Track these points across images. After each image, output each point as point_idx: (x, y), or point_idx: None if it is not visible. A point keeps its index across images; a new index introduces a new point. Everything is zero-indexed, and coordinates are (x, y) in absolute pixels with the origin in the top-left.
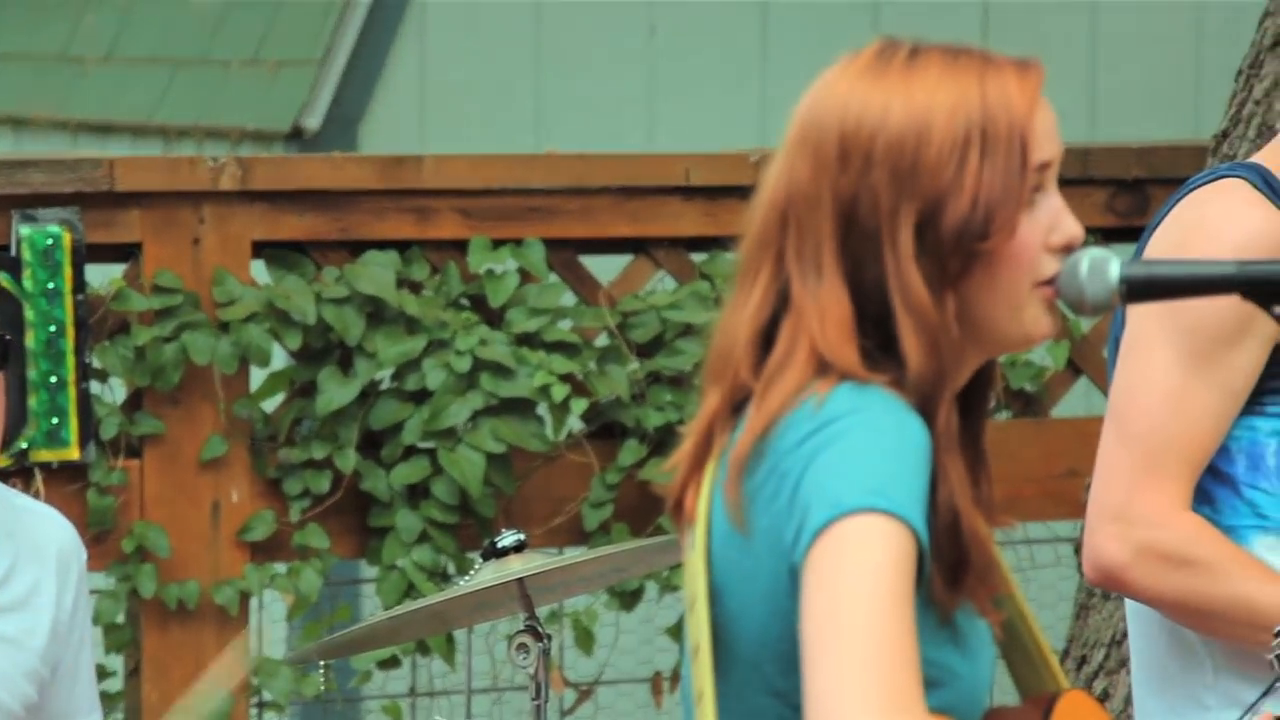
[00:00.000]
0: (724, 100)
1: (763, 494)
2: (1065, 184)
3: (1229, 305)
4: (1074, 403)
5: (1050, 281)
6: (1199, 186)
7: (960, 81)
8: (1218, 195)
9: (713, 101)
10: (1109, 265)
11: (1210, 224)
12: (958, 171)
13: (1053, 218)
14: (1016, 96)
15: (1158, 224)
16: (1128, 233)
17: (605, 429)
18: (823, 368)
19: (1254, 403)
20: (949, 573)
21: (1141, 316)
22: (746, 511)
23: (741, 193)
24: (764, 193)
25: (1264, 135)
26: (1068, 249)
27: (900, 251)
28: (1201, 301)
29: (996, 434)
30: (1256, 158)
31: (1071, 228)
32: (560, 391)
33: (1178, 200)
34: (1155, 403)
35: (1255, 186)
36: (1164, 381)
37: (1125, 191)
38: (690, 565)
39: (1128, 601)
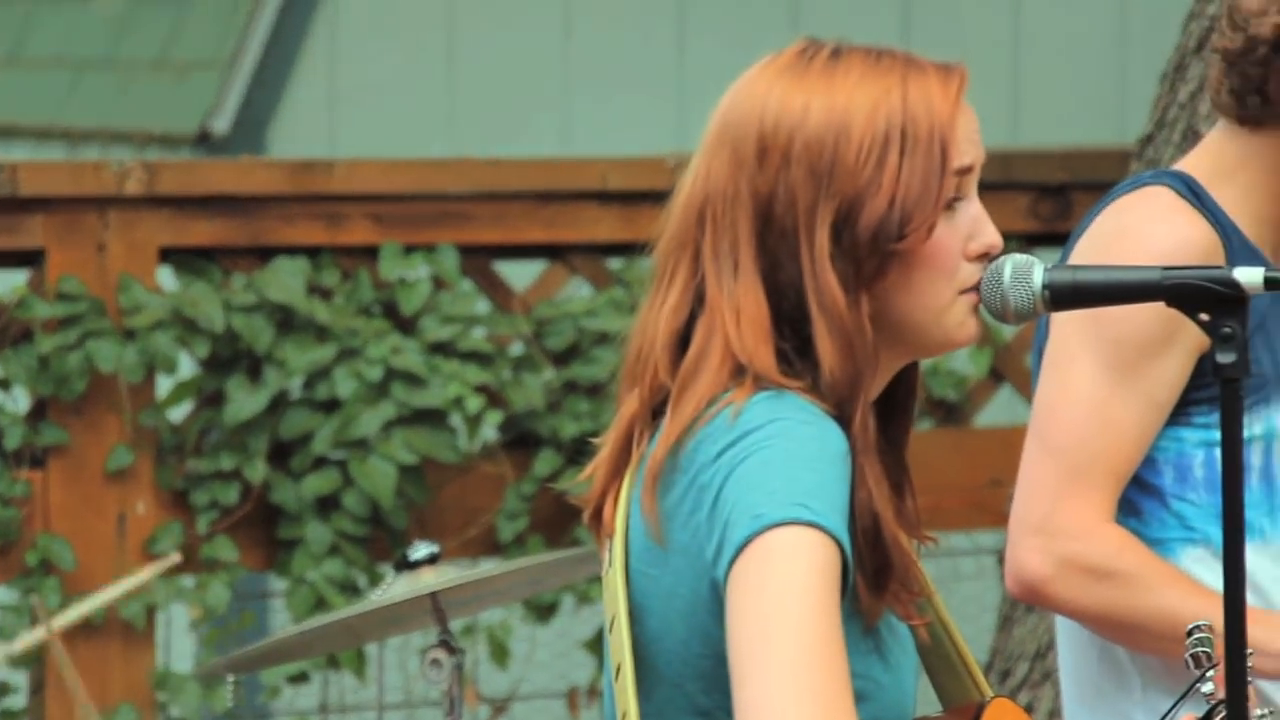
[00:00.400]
0: (641, 103)
1: (681, 508)
2: (987, 188)
3: (1153, 315)
4: (997, 411)
5: (974, 288)
6: (1122, 194)
7: (882, 83)
8: (1141, 203)
9: (630, 104)
10: (1032, 271)
11: (1133, 233)
12: (876, 171)
13: (972, 225)
14: (939, 99)
15: (1081, 232)
16: (1051, 238)
17: (520, 439)
18: (738, 371)
19: (1180, 414)
20: (871, 579)
21: (1064, 327)
22: (664, 526)
23: (659, 198)
24: (682, 192)
25: (1189, 139)
26: (987, 257)
27: (816, 251)
28: (1125, 312)
29: (918, 444)
30: (1180, 165)
31: (990, 235)
32: (474, 401)
33: (1101, 208)
34: (1078, 415)
35: (1179, 194)
36: (1087, 393)
37: (1048, 196)
38: (609, 581)
39: (1057, 616)
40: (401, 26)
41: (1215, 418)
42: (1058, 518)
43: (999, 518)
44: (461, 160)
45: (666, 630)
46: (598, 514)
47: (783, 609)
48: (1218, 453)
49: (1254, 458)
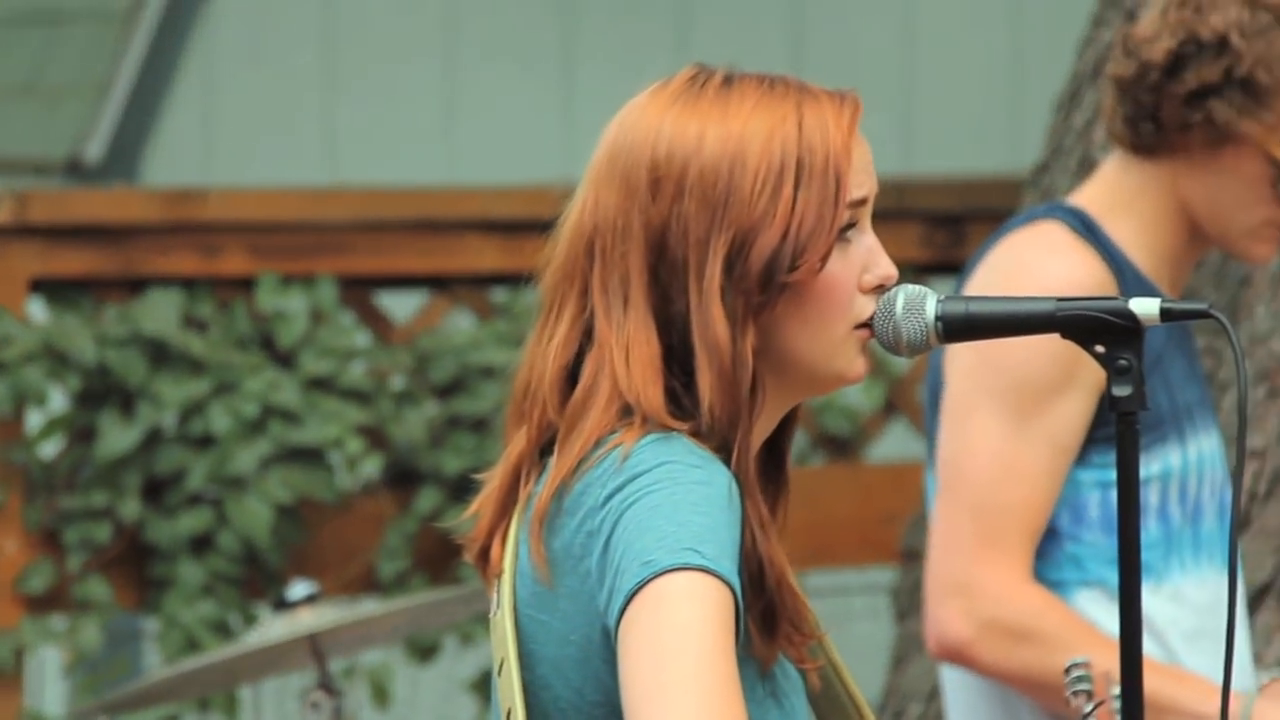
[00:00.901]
0: (525, 129)
1: (570, 553)
2: (880, 217)
3: (1050, 358)
4: (890, 445)
5: (868, 323)
6: (1014, 230)
7: (776, 111)
8: (1034, 239)
9: (514, 131)
10: (925, 303)
11: (1027, 269)
12: (771, 202)
13: (866, 257)
14: (833, 128)
15: (974, 266)
16: (945, 267)
17: (402, 475)
18: (626, 410)
19: (1078, 455)
20: (762, 622)
21: (962, 379)
22: (553, 570)
23: (544, 227)
24: (569, 222)
25: (1085, 168)
26: (881, 289)
27: (706, 285)
28: (1021, 356)
29: (810, 480)
30: (1075, 197)
31: (885, 267)
32: (354, 438)
33: (993, 243)
34: (987, 469)
35: (1072, 229)
36: (993, 445)
37: (942, 225)
38: (498, 624)
39: (945, 680)
40: (278, 51)
41: (1112, 457)
42: (977, 578)
43: (892, 554)
44: (340, 189)
45: (558, 676)
46: (484, 554)
47: (678, 656)
48: (1113, 494)
49: (1151, 498)
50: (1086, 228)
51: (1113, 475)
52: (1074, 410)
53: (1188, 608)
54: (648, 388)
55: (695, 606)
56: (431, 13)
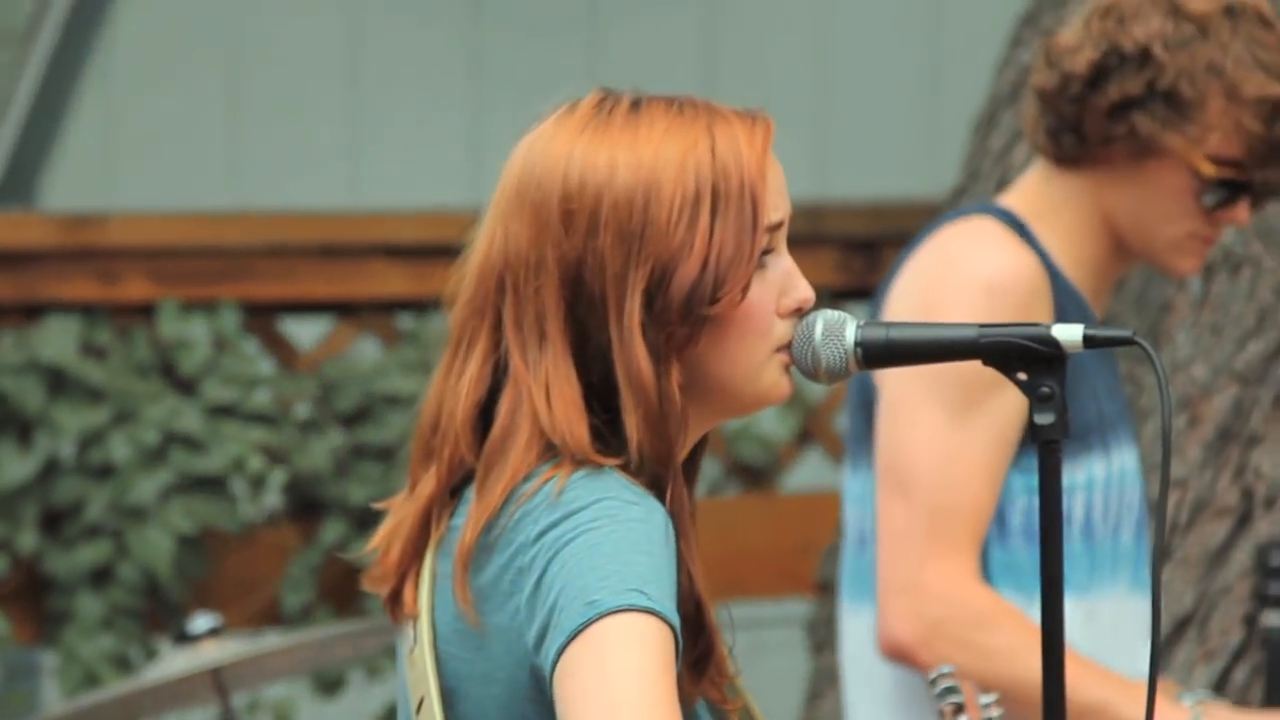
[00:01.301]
0: (433, 153)
1: (497, 590)
2: (795, 243)
3: None
4: (805, 475)
5: (787, 347)
6: (946, 224)
7: (687, 135)
8: (967, 232)
9: (421, 154)
10: (845, 328)
11: (960, 261)
12: (688, 232)
13: (783, 280)
14: (746, 151)
15: (902, 262)
16: (861, 293)
17: (306, 505)
18: (548, 449)
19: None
20: (694, 665)
21: (901, 373)
22: (479, 608)
23: (451, 253)
24: (478, 254)
25: (1002, 191)
26: (799, 313)
27: (626, 320)
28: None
29: (724, 510)
30: (1002, 201)
31: (803, 291)
32: (257, 467)
33: (923, 238)
34: (933, 464)
35: (1005, 225)
36: (937, 440)
37: (858, 250)
38: (417, 660)
39: (847, 689)
40: (180, 72)
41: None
42: (926, 578)
43: (807, 585)
44: (244, 213)
45: (481, 716)
46: (395, 596)
47: (627, 700)
48: (1036, 502)
49: (1075, 509)
50: (1018, 227)
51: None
52: (1014, 402)
53: (1099, 626)
54: (573, 426)
55: (642, 650)
56: (336, 34)
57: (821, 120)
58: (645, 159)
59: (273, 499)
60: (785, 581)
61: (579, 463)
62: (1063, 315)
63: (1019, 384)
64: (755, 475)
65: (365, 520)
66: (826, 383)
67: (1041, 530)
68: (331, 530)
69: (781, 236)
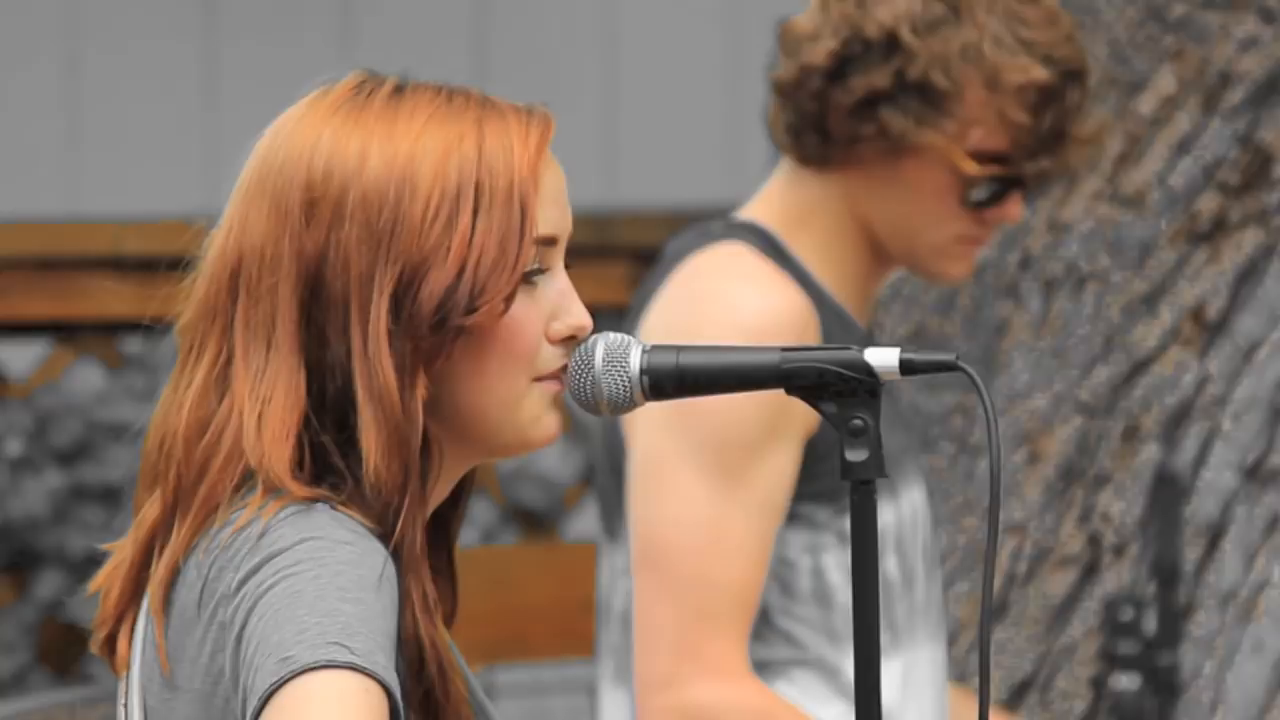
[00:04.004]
0: (162, 155)
1: (202, 648)
2: (581, 255)
3: (751, 410)
4: (591, 521)
5: (556, 375)
6: (693, 254)
7: (453, 128)
8: (719, 264)
9: (148, 157)
10: (629, 354)
11: (716, 301)
12: (444, 233)
13: (556, 302)
14: (519, 149)
15: (646, 300)
16: None
17: (18, 556)
18: (249, 474)
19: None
20: (423, 714)
21: (653, 429)
22: (175, 666)
23: (183, 266)
24: (213, 249)
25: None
26: (573, 341)
27: (371, 327)
28: (719, 408)
29: (500, 560)
30: (749, 212)
31: (578, 315)
32: None
33: (669, 272)
34: (693, 542)
35: (761, 252)
36: (698, 514)
37: (651, 263)
38: None
39: None
40: None
41: (822, 516)
42: (687, 673)
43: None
44: None
45: None
46: (110, 641)
47: None
48: (826, 558)
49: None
50: (773, 249)
51: (822, 538)
52: (783, 464)
53: (897, 685)
54: (275, 447)
55: (341, 712)
56: (50, 17)
57: (610, 118)
58: (402, 150)
59: None
60: (570, 641)
61: (291, 495)
62: (830, 340)
63: (827, 416)
64: (535, 520)
65: (87, 571)
66: (609, 415)
67: (855, 588)
68: (47, 584)
69: (557, 254)
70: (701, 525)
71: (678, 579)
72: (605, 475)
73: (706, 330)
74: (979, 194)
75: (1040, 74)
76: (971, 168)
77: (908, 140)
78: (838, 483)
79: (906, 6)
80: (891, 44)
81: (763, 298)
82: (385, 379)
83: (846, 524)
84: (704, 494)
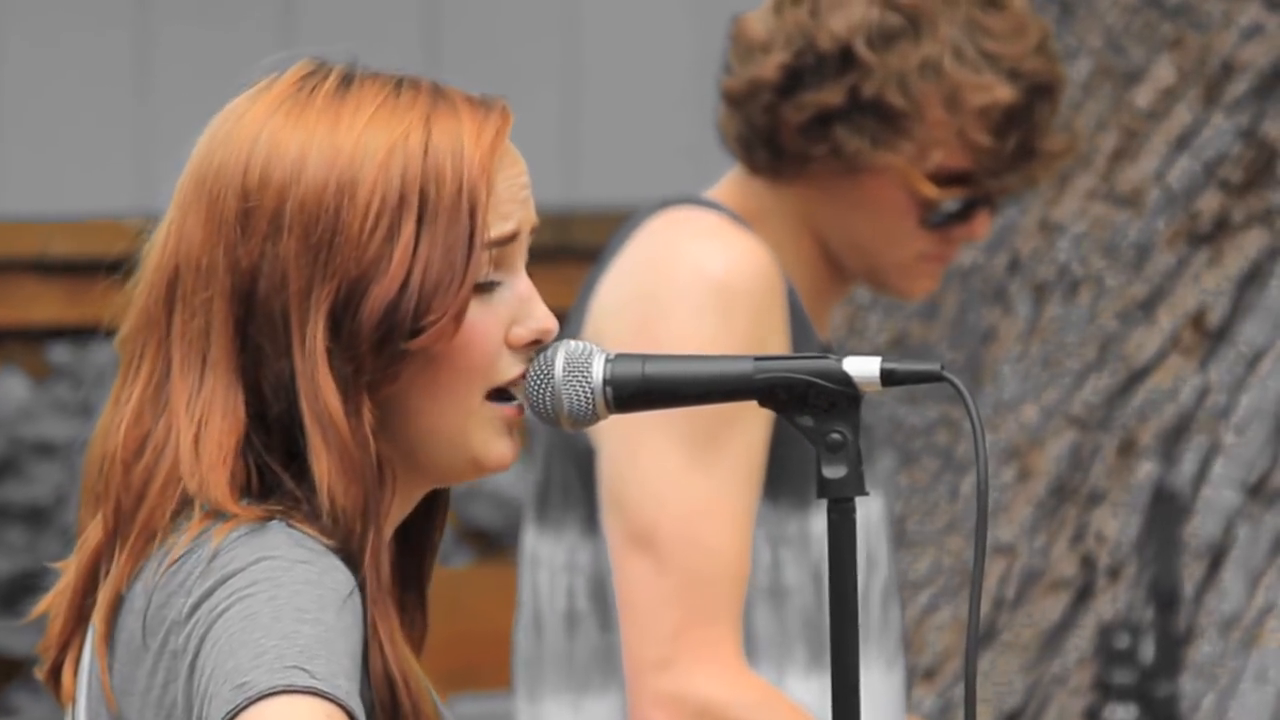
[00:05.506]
0: (91, 151)
1: (153, 680)
2: (539, 256)
3: None
4: None
5: (510, 389)
6: (649, 219)
7: (398, 124)
8: (685, 223)
9: (76, 153)
10: (592, 362)
11: (684, 258)
12: (385, 244)
13: (517, 306)
14: (470, 146)
15: (603, 268)
16: None
17: None
18: (188, 497)
19: None
20: None
21: None
22: (124, 700)
23: (116, 269)
24: (153, 254)
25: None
26: (537, 345)
27: (310, 346)
28: None
29: (452, 583)
30: (711, 194)
31: (541, 319)
32: None
33: (627, 236)
34: (680, 519)
35: (725, 216)
36: (681, 488)
37: None
38: None
39: None
40: None
41: (777, 512)
42: (685, 656)
43: None
44: None
45: None
46: (56, 672)
47: None
48: (784, 553)
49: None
50: (739, 222)
51: (781, 531)
52: (757, 437)
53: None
54: (213, 473)
55: None
56: None
57: (571, 113)
58: (343, 149)
59: None
60: None
61: (237, 519)
62: (794, 338)
63: (804, 431)
64: (488, 540)
65: (10, 597)
66: (570, 429)
67: (832, 607)
68: None
69: (517, 251)
70: (686, 499)
71: (670, 554)
72: (561, 464)
73: (674, 287)
74: (941, 214)
75: (1004, 93)
76: (931, 191)
77: (862, 161)
78: (805, 474)
79: (863, 16)
80: (846, 58)
81: (731, 251)
82: (328, 403)
83: (811, 522)
84: (685, 467)
